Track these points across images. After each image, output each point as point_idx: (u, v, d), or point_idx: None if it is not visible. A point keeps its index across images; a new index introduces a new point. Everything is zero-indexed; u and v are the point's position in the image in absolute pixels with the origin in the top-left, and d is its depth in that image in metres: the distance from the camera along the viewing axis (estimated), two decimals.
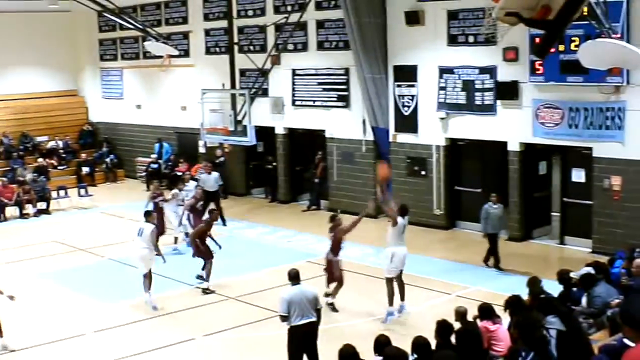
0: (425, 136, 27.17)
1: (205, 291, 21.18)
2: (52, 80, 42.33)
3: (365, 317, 18.62)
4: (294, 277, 14.86)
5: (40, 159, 38.33)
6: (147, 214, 21.61)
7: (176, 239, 25.66)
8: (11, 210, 32.16)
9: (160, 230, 25.17)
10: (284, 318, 14.48)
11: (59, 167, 39.12)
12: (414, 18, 26.63)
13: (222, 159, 33.65)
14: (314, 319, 14.51)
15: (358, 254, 24.13)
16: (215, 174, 29.40)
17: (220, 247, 22.90)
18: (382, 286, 18.72)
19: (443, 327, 12.59)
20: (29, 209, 32.49)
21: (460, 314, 13.55)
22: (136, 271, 20.85)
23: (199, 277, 21.71)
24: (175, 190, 26.48)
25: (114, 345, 17.68)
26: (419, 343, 11.85)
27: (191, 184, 27.37)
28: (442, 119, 26.57)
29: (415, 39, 26.95)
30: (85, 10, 34.52)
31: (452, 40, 26.13)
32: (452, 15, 25.95)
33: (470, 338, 12.86)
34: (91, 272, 23.97)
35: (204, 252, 21.41)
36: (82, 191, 34.62)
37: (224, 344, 17.67)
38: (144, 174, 38.30)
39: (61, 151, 40.13)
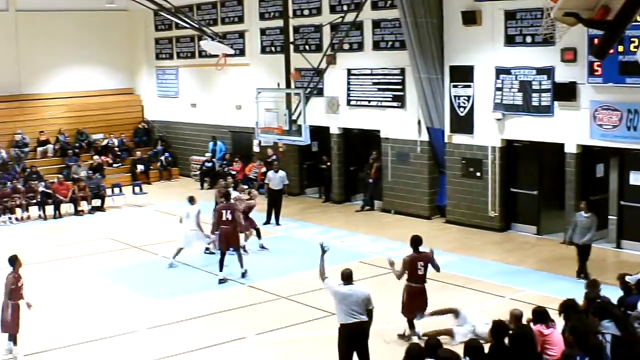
0: (481, 137, 26.90)
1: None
2: (109, 79, 42.67)
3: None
4: (347, 278, 14.60)
5: (95, 157, 38.58)
6: (191, 199, 24.16)
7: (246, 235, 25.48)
8: (66, 207, 32.38)
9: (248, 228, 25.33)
10: (323, 278, 14.76)
11: (114, 165, 39.38)
12: (470, 18, 26.38)
13: (274, 157, 33.65)
14: (364, 319, 14.29)
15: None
16: (281, 173, 29.44)
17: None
18: (433, 287, 18.52)
19: (498, 328, 12.43)
20: (84, 206, 32.71)
21: (516, 317, 13.38)
22: (187, 252, 22.75)
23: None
24: (236, 194, 26.16)
25: (165, 342, 17.69)
26: (472, 346, 11.71)
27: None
28: (498, 120, 26.27)
29: (471, 39, 26.69)
30: (142, 9, 34.67)
31: (509, 41, 25.83)
32: (510, 15, 25.65)
33: (524, 341, 12.67)
34: (144, 270, 24.03)
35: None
36: (137, 189, 34.81)
37: (275, 344, 17.60)
38: (198, 172, 38.43)
39: (116, 149, 40.39)
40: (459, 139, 27.56)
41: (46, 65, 40.46)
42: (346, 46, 30.98)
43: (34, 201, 32.10)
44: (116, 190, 34.63)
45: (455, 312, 17.41)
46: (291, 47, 31.45)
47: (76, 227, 30.17)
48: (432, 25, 27.22)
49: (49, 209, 32.04)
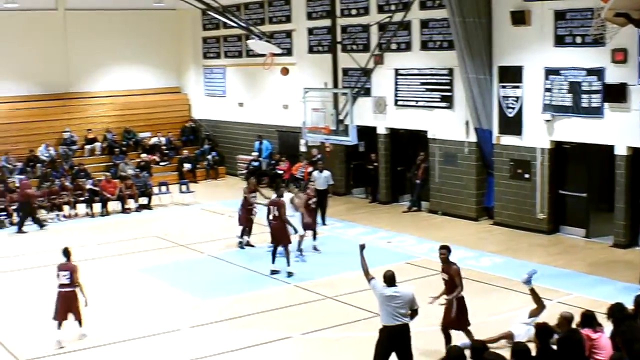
0: (530, 138, 26.64)
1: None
2: (156, 78, 42.97)
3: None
4: (391, 280, 14.37)
5: (143, 155, 38.80)
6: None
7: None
8: (113, 205, 32.59)
9: (246, 225, 25.30)
10: (367, 278, 14.50)
11: (161, 163, 39.55)
12: (519, 18, 26.13)
13: (318, 157, 33.61)
14: (407, 321, 14.20)
15: (457, 257, 23.78)
16: (326, 173, 29.53)
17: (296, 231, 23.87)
18: (479, 289, 18.38)
19: (542, 330, 12.29)
20: (131, 204, 32.91)
21: (566, 320, 13.22)
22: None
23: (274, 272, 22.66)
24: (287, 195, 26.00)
25: (209, 341, 17.70)
26: (519, 349, 11.57)
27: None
28: (547, 121, 25.99)
29: (521, 39, 26.44)
30: (190, 8, 34.75)
31: (559, 41, 25.52)
32: (559, 15, 25.35)
33: (572, 345, 12.48)
34: (190, 268, 24.10)
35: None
36: (184, 187, 34.96)
37: (320, 344, 17.54)
38: (244, 171, 38.50)
39: (163, 147, 40.58)
40: (508, 140, 27.32)
41: (94, 64, 40.86)
42: (394, 46, 30.86)
43: (82, 199, 32.30)
44: (163, 188, 34.80)
45: (541, 309, 17.07)
46: (338, 46, 31.37)
47: (123, 225, 30.33)
48: (480, 25, 27.02)
49: (97, 207, 32.25)
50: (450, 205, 29.44)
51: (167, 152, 40.45)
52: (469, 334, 16.09)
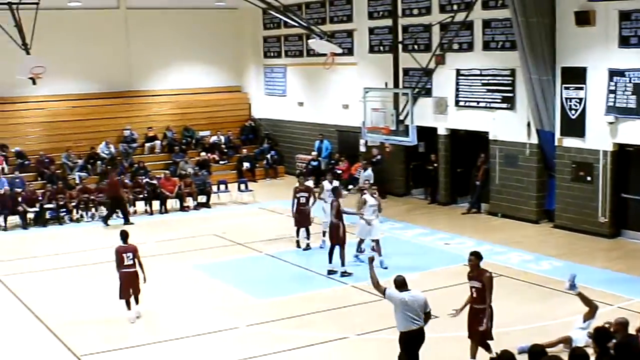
0: (593, 141, 26.24)
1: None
2: (216, 76, 43.11)
3: (521, 324, 18.03)
4: (403, 285, 14.52)
5: (202, 153, 38.93)
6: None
7: (324, 233, 25.40)
8: (172, 203, 32.72)
9: (302, 224, 25.56)
10: (382, 291, 14.48)
11: (221, 162, 39.65)
12: (583, 18, 25.72)
13: (378, 157, 33.50)
14: (423, 324, 14.28)
15: (516, 260, 23.60)
16: (368, 172, 29.50)
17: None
18: (539, 293, 18.11)
19: (601, 334, 12.05)
20: (190, 202, 33.01)
21: (622, 326, 12.97)
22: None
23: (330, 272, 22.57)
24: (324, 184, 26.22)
25: (265, 340, 17.67)
26: (577, 354, 11.35)
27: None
28: (611, 123, 25.57)
29: (584, 39, 26.01)
30: (251, 7, 34.77)
31: (624, 42, 25.06)
32: (625, 15, 24.89)
33: (629, 350, 12.22)
34: (248, 267, 24.10)
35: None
36: (242, 186, 35.00)
37: (376, 344, 17.42)
38: (303, 170, 38.43)
39: (223, 146, 40.67)
40: (570, 142, 26.93)
41: (155, 63, 41.14)
42: (455, 46, 30.62)
43: (141, 196, 32.45)
44: (222, 187, 34.92)
45: (594, 310, 16.74)
46: (400, 46, 31.21)
47: (181, 223, 30.42)
48: (543, 25, 26.64)
49: (155, 204, 32.39)
50: (510, 207, 29.13)
51: (226, 150, 40.53)
52: (488, 348, 15.59)
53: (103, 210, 31.13)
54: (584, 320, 16.47)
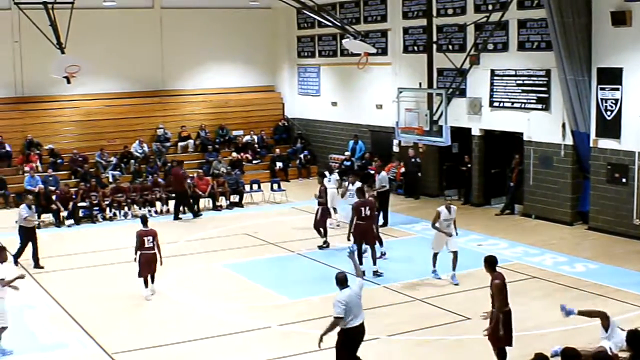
0: (628, 142, 25.98)
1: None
2: (250, 76, 43.12)
3: (555, 326, 17.85)
4: (343, 281, 14.58)
5: (234, 153, 38.95)
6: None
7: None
8: (205, 202, 32.73)
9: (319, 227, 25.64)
10: (339, 319, 14.22)
11: (254, 162, 39.64)
12: (620, 18, 25.47)
13: (417, 159, 33.43)
14: (363, 320, 14.50)
15: (550, 262, 23.42)
16: (383, 174, 29.06)
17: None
18: (573, 296, 17.94)
19: (634, 338, 11.87)
20: (222, 201, 33.01)
21: None
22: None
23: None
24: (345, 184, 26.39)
25: (296, 340, 17.64)
26: (568, 355, 11.21)
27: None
28: None
29: (621, 40, 25.77)
30: (285, 7, 34.80)
31: None
32: None
33: None
34: (280, 267, 24.07)
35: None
36: (275, 186, 34.95)
37: (407, 346, 17.34)
38: (336, 171, 38.32)
39: (256, 146, 40.67)
40: (605, 143, 26.70)
41: (189, 62, 41.20)
42: (490, 46, 30.43)
43: (174, 195, 32.48)
44: (255, 186, 34.89)
45: (604, 317, 16.46)
46: (434, 46, 31.08)
47: (214, 222, 30.39)
48: (579, 25, 26.42)
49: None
50: (544, 208, 28.91)
51: (259, 150, 40.53)
52: (500, 354, 15.23)
53: (136, 209, 31.21)
54: (605, 329, 16.21)
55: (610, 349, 15.11)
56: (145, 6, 40.14)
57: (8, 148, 35.74)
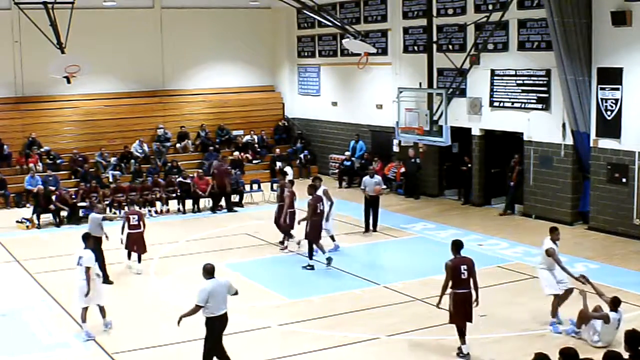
0: (629, 142, 25.98)
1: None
2: (250, 76, 43.17)
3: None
4: (210, 272, 15.36)
5: (235, 153, 38.94)
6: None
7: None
8: (205, 202, 32.71)
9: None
10: (199, 308, 15.08)
11: (254, 162, 39.65)
12: (620, 18, 25.46)
13: (417, 160, 33.43)
14: (226, 310, 15.31)
15: None
16: (377, 178, 28.06)
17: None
18: (573, 296, 17.93)
19: (632, 337, 11.86)
20: (222, 201, 32.92)
21: None
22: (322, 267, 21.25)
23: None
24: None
25: (296, 340, 17.65)
26: (612, 357, 11.18)
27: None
28: None
29: (621, 40, 25.76)
30: (285, 7, 34.81)
31: None
32: None
33: None
34: (280, 267, 24.04)
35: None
36: (275, 186, 34.85)
37: (406, 345, 17.31)
38: (336, 170, 38.38)
39: (256, 145, 40.66)
40: (605, 143, 26.70)
41: (189, 62, 41.24)
42: (490, 46, 30.42)
43: (174, 195, 32.49)
44: (255, 186, 34.87)
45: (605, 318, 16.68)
46: (434, 46, 31.08)
47: (214, 222, 30.37)
48: (580, 25, 26.41)
49: (188, 203, 32.42)
50: (544, 208, 28.91)
51: (259, 150, 40.52)
52: (461, 334, 16.36)
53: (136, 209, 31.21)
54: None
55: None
56: (145, 6, 40.13)
57: (6, 149, 35.77)
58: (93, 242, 20.56)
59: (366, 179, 27.88)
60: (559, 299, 17.72)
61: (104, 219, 22.94)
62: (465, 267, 16.46)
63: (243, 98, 42.56)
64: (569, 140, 27.98)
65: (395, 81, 34.66)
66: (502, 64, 30.28)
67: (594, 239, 26.47)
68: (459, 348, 16.33)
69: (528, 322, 18.20)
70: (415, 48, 34.36)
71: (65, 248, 26.38)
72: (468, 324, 16.37)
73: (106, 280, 21.39)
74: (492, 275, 21.85)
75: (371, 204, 27.65)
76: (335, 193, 32.92)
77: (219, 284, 15.27)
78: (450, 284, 16.38)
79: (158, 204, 32.19)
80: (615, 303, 16.87)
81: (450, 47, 32.04)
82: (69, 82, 28.98)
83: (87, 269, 17.68)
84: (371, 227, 27.66)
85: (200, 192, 32.53)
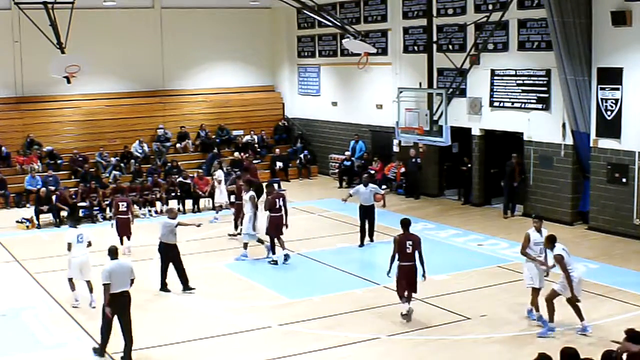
0: (629, 142, 25.97)
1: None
2: (250, 76, 43.17)
3: (555, 326, 17.82)
4: (113, 253, 16.89)
5: (235, 153, 38.92)
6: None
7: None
8: (205, 202, 32.69)
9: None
10: (107, 287, 16.38)
11: (254, 162, 39.57)
12: (620, 18, 25.46)
13: (417, 160, 33.43)
14: (128, 289, 16.67)
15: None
16: (372, 186, 26.28)
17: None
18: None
19: (631, 337, 11.85)
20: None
21: None
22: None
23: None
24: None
25: (297, 339, 17.63)
26: (610, 357, 11.18)
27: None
28: None
29: (621, 40, 25.75)
30: (285, 6, 34.80)
31: None
32: None
33: None
34: (280, 267, 23.98)
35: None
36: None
37: (407, 345, 17.30)
38: (336, 170, 38.37)
39: (256, 146, 40.64)
40: (605, 143, 26.69)
41: (189, 62, 41.23)
42: (490, 46, 30.41)
43: (174, 195, 32.47)
44: None
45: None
46: (434, 46, 31.06)
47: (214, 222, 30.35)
48: (580, 25, 26.41)
49: (188, 203, 32.40)
50: (544, 208, 28.85)
51: (259, 150, 40.50)
52: (402, 300, 18.64)
53: (137, 209, 31.13)
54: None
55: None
56: (145, 6, 40.13)
57: (5, 150, 35.83)
58: (166, 250, 21.31)
59: (360, 187, 26.24)
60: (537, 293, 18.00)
61: (178, 224, 21.55)
62: (410, 242, 18.47)
63: (243, 98, 42.55)
64: (569, 140, 27.98)
65: (395, 81, 34.65)
66: (502, 64, 30.28)
67: (594, 239, 26.46)
68: (401, 312, 18.53)
69: (528, 322, 18.20)
70: (415, 48, 34.36)
71: (65, 248, 26.41)
72: (414, 294, 18.69)
73: (187, 287, 21.25)
74: (492, 275, 21.88)
75: (366, 214, 26.02)
76: (335, 193, 33.09)
77: (120, 265, 16.72)
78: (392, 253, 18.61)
79: (158, 204, 32.15)
80: (551, 239, 17.68)
81: (450, 47, 32.02)
82: (69, 82, 28.93)
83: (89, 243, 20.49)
84: (367, 238, 26.09)
85: (201, 192, 32.52)
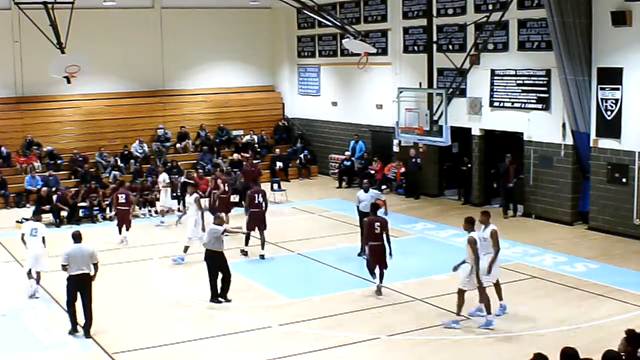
0: (629, 142, 25.97)
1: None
2: (250, 76, 43.18)
3: (555, 326, 17.84)
4: (77, 237, 17.99)
5: (235, 153, 38.91)
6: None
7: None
8: (204, 202, 32.57)
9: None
10: (64, 267, 17.71)
11: (254, 162, 39.53)
12: (620, 18, 25.46)
13: (417, 160, 33.42)
14: (87, 271, 17.72)
15: (550, 262, 23.38)
16: (372, 191, 24.97)
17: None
18: (573, 295, 17.93)
19: (631, 338, 11.85)
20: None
21: None
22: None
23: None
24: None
25: (297, 339, 17.63)
26: (611, 357, 11.17)
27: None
28: None
29: (621, 40, 25.75)
30: (285, 6, 34.80)
31: None
32: None
33: None
34: (280, 267, 24.02)
35: None
36: (275, 186, 34.88)
37: (407, 345, 17.29)
38: (336, 170, 38.37)
39: (256, 146, 40.63)
40: (605, 143, 26.68)
41: (189, 62, 41.24)
42: (490, 46, 30.41)
43: (174, 194, 32.43)
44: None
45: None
46: (434, 46, 31.06)
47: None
48: (580, 25, 26.41)
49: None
50: (544, 208, 28.89)
51: (259, 150, 40.49)
52: (373, 276, 20.75)
53: (137, 209, 31.13)
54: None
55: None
56: (145, 6, 40.15)
57: (4, 150, 35.84)
58: (212, 258, 20.27)
59: (360, 193, 24.89)
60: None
61: (225, 232, 20.73)
62: (378, 224, 20.43)
63: (243, 98, 42.56)
64: (569, 140, 27.98)
65: (395, 81, 34.66)
66: (502, 64, 30.28)
67: (594, 239, 26.45)
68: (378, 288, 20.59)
69: (528, 322, 18.20)
70: (415, 48, 34.36)
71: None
72: (385, 271, 20.58)
73: (225, 297, 20.29)
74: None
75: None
76: (335, 193, 33.10)
77: (80, 249, 17.75)
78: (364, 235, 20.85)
79: (158, 204, 32.13)
80: (468, 221, 18.80)
81: (450, 47, 32.03)
82: (69, 82, 28.90)
83: (43, 238, 21.41)
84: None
85: (201, 192, 32.45)
